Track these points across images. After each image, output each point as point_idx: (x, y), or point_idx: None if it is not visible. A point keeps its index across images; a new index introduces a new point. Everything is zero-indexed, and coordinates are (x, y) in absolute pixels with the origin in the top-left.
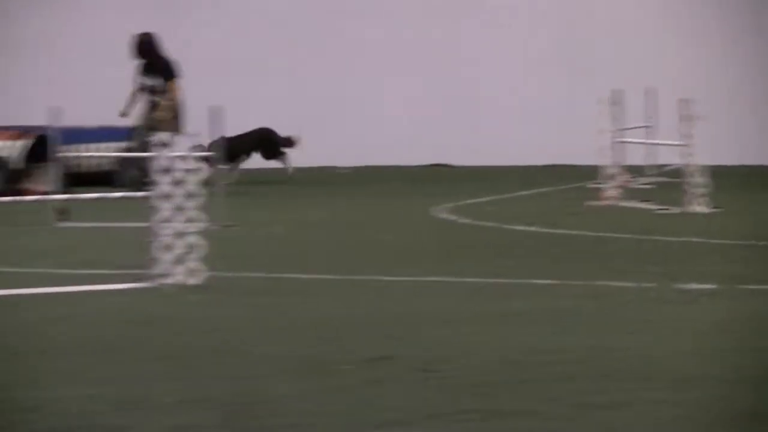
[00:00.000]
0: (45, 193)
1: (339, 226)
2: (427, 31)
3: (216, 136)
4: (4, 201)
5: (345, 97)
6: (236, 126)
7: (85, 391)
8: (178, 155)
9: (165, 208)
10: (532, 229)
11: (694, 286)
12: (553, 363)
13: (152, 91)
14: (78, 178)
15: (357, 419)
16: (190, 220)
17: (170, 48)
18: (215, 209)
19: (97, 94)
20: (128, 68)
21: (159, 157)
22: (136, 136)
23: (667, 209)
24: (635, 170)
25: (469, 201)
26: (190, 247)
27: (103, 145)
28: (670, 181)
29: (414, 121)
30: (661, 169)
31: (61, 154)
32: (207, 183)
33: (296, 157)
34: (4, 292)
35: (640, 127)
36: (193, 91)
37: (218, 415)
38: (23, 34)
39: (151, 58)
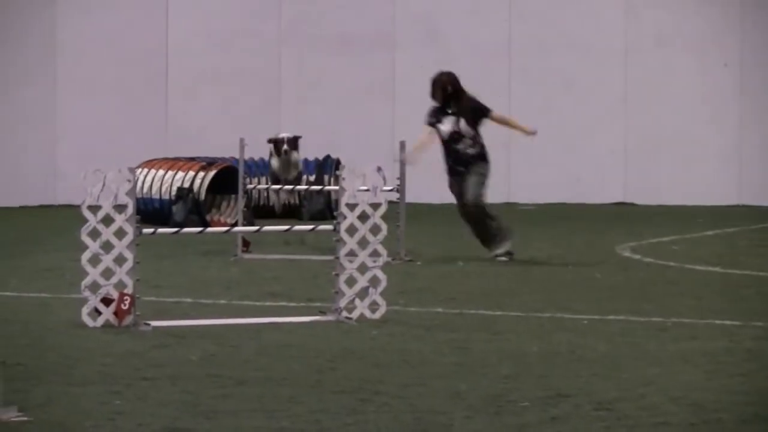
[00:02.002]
0: (231, 224)
1: (521, 263)
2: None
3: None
4: (190, 232)
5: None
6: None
7: (266, 423)
8: (365, 189)
9: (350, 242)
10: (717, 269)
11: None
12: (739, 404)
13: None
14: (264, 210)
15: None
16: (373, 255)
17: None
18: (396, 243)
19: (283, 127)
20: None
21: (346, 191)
22: None
23: None
24: None
25: (653, 240)
26: (373, 282)
27: None
28: None
29: (600, 157)
30: None
31: (248, 186)
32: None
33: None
34: (190, 322)
35: None
36: (379, 123)
37: None
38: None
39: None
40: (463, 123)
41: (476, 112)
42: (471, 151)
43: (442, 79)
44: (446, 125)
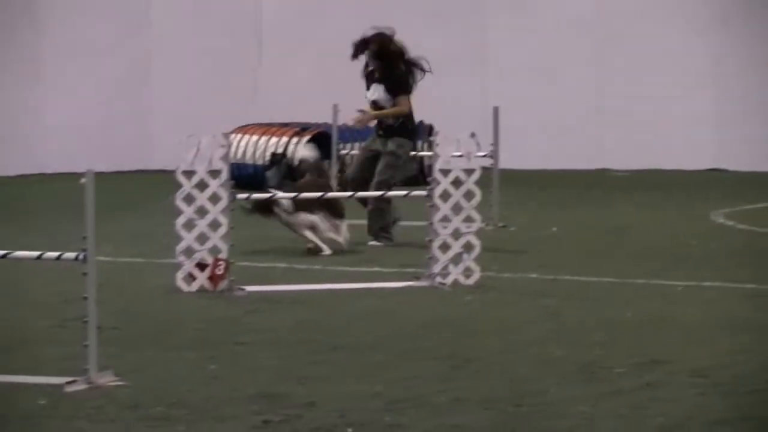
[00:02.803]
0: None
1: (614, 229)
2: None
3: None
4: (283, 197)
5: (626, 98)
6: (516, 126)
7: (360, 389)
8: (458, 155)
9: (444, 208)
10: None
11: None
12: None
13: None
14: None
15: (633, 424)
16: (467, 220)
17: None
18: (490, 209)
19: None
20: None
21: (439, 156)
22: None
23: None
24: None
25: (747, 206)
26: (467, 247)
27: None
28: None
29: (691, 124)
30: None
31: (341, 152)
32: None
33: (569, 160)
34: (284, 288)
35: None
36: (470, 89)
37: (494, 415)
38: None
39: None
40: (381, 91)
41: (394, 85)
42: (389, 121)
43: (369, 40)
44: (370, 92)
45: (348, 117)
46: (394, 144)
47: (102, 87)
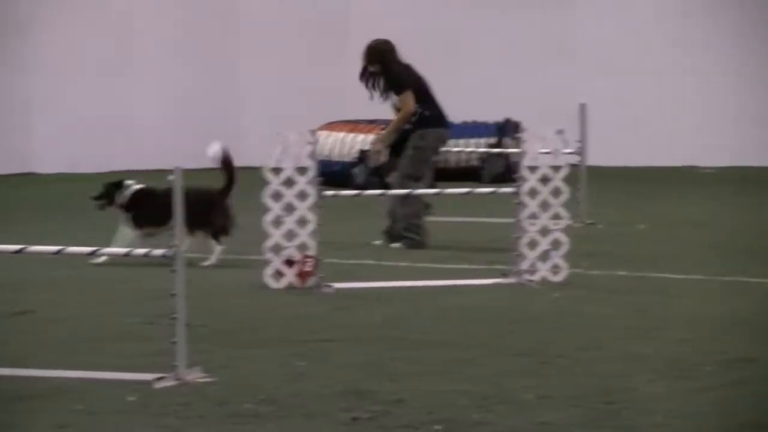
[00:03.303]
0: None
1: (702, 226)
2: None
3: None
4: (371, 194)
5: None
6: (604, 122)
7: (448, 386)
8: (546, 152)
9: (531, 205)
10: None
11: None
12: None
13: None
14: (444, 173)
15: (721, 421)
16: (555, 217)
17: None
18: (577, 206)
19: (463, 90)
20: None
21: (527, 153)
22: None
23: None
24: None
25: None
26: (555, 244)
27: (470, 140)
28: None
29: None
30: None
31: None
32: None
33: (657, 156)
34: (372, 284)
35: None
36: (558, 85)
37: (582, 412)
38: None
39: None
40: (393, 94)
41: (394, 84)
42: (408, 125)
43: (367, 48)
44: (390, 100)
45: None
46: (415, 137)
47: (192, 84)
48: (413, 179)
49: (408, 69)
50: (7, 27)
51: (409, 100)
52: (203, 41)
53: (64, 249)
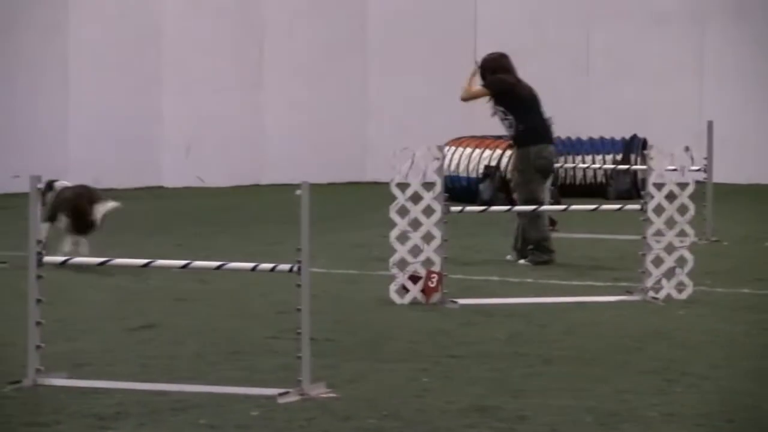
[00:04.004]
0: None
1: None
2: None
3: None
4: (497, 210)
5: None
6: (731, 138)
7: (572, 402)
8: (672, 169)
9: (657, 222)
10: None
11: None
12: None
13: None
14: (570, 189)
15: None
16: (680, 234)
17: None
18: (703, 223)
19: (590, 106)
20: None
21: (653, 170)
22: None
23: None
24: None
25: None
26: (680, 262)
27: (597, 156)
28: None
29: None
30: None
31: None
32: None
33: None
34: (497, 301)
35: None
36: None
37: (706, 431)
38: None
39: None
40: (492, 103)
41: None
42: (508, 132)
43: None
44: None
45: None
46: (516, 159)
47: (320, 100)
48: (531, 202)
49: (503, 80)
50: (141, 41)
51: (481, 90)
52: (332, 58)
53: (191, 263)
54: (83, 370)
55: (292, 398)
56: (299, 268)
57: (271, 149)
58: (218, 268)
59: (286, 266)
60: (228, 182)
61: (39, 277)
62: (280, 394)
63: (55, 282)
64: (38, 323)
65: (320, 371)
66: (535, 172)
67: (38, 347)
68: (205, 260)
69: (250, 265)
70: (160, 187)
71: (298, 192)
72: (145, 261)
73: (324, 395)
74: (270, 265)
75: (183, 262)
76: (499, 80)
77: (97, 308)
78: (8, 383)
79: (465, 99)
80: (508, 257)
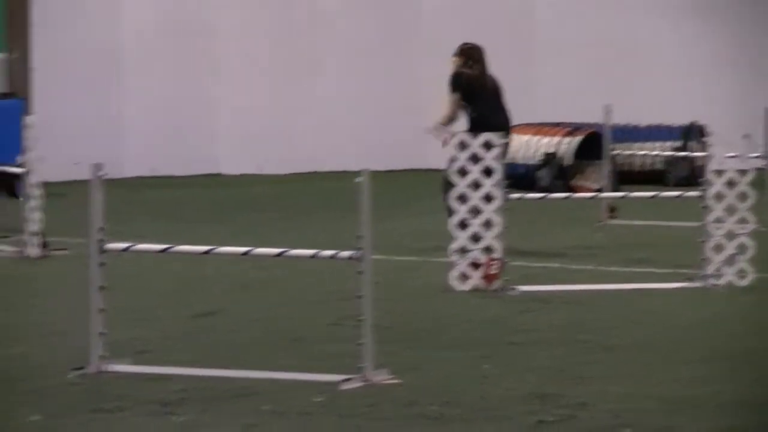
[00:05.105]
0: (596, 190)
1: None
2: None
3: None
4: (556, 197)
5: None
6: None
7: (634, 390)
8: (732, 156)
9: (717, 209)
10: None
11: None
12: None
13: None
14: (628, 176)
15: None
16: (741, 221)
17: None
18: (763, 211)
19: (649, 92)
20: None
21: (713, 157)
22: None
23: None
24: None
25: None
26: (741, 249)
27: (655, 144)
28: None
29: None
30: None
31: (613, 152)
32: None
33: None
34: (556, 288)
35: None
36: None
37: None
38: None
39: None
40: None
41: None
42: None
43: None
44: None
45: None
46: None
47: (376, 87)
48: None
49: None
50: (197, 30)
51: (450, 100)
52: (385, 43)
53: (251, 250)
54: (146, 356)
55: (355, 385)
56: (360, 256)
57: (330, 137)
58: (279, 255)
59: (346, 253)
60: (287, 170)
61: (101, 264)
62: (343, 381)
63: (116, 269)
64: (101, 310)
65: (381, 358)
66: None
67: (102, 334)
68: (265, 247)
69: (311, 252)
70: (218, 175)
71: (359, 179)
72: (205, 248)
73: (386, 382)
74: (330, 252)
75: (243, 249)
76: (453, 77)
77: (159, 295)
78: (72, 370)
79: (446, 123)
80: None
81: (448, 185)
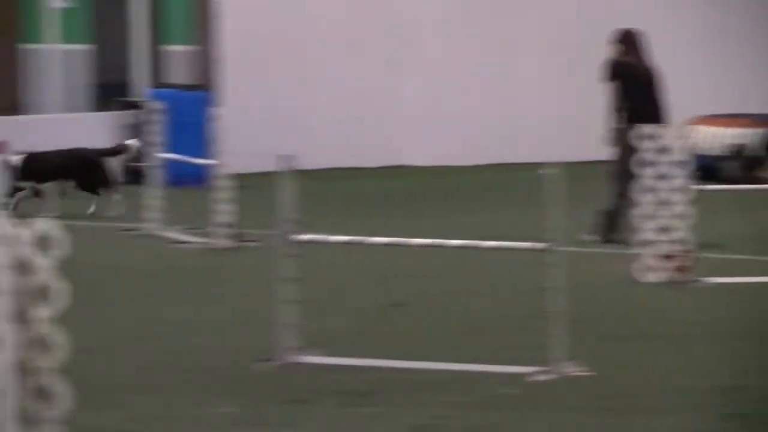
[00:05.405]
0: None
1: None
2: None
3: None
4: (742, 189)
5: None
6: None
7: None
8: None
9: None
10: None
11: None
12: None
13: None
14: None
15: None
16: None
17: None
18: None
19: None
20: None
21: None
22: None
23: None
24: None
25: None
26: None
27: None
28: None
29: None
30: None
31: None
32: None
33: None
34: (748, 280)
35: None
36: None
37: None
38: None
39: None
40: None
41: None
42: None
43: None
44: None
45: None
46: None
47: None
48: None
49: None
50: (382, 22)
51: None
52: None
53: (440, 242)
54: (335, 347)
55: (544, 377)
56: (552, 247)
57: (515, 127)
58: (466, 247)
59: (539, 245)
60: (472, 161)
61: (290, 255)
62: (535, 372)
63: (304, 260)
64: (291, 301)
65: (573, 349)
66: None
67: (292, 325)
68: (451, 239)
69: (500, 243)
70: (401, 167)
71: (545, 171)
72: (393, 240)
73: (577, 373)
74: (519, 244)
75: (431, 241)
76: (611, 66)
77: (347, 286)
78: (263, 361)
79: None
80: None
81: (624, 176)
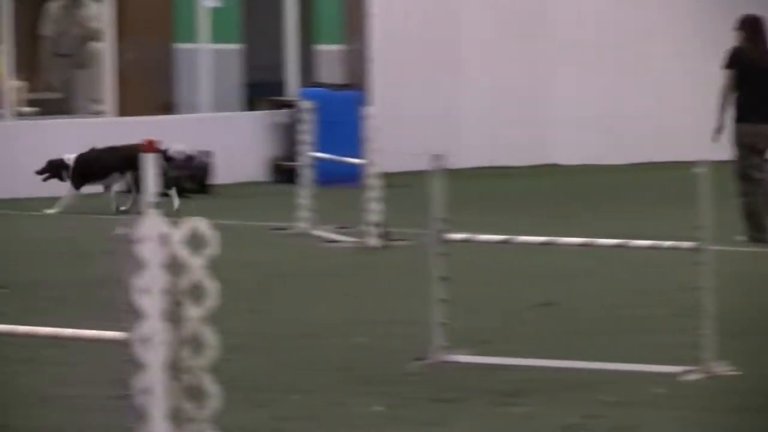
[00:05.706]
0: None
1: None
2: None
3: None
4: None
5: None
6: None
7: None
8: None
9: None
10: None
11: None
12: None
13: None
14: None
15: None
16: None
17: None
18: None
19: None
20: None
21: None
22: None
23: None
24: None
25: None
26: None
27: None
28: None
29: None
30: None
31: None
32: None
33: None
34: None
35: None
36: None
37: None
38: None
39: None
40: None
41: None
42: None
43: None
44: None
45: None
46: None
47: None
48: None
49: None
50: (532, 21)
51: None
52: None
53: (590, 241)
54: (485, 346)
55: (696, 376)
56: (700, 246)
57: (664, 125)
58: (617, 246)
59: (687, 244)
60: (622, 160)
61: (442, 254)
62: (684, 372)
63: (455, 259)
64: (442, 300)
65: (723, 349)
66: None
67: (443, 324)
68: (601, 238)
69: (648, 242)
70: (554, 165)
71: (696, 170)
72: (545, 239)
73: (728, 373)
74: (670, 243)
75: (581, 240)
76: (730, 53)
77: (497, 285)
78: (414, 360)
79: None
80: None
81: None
